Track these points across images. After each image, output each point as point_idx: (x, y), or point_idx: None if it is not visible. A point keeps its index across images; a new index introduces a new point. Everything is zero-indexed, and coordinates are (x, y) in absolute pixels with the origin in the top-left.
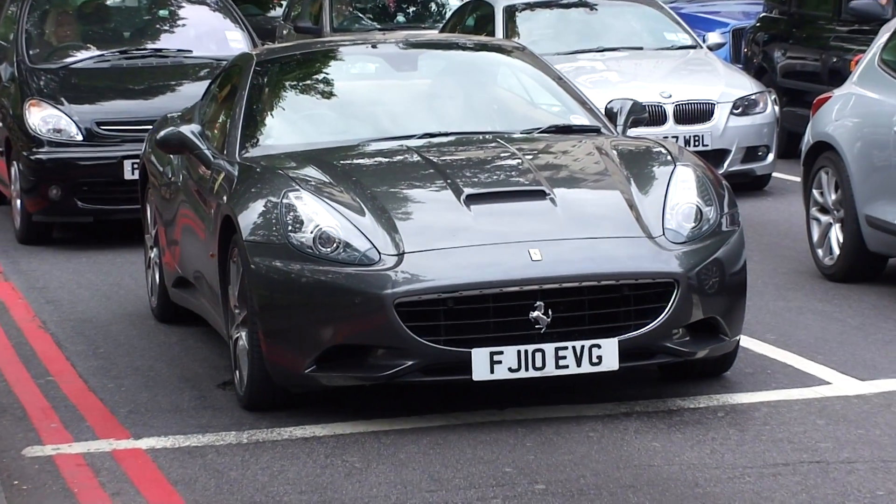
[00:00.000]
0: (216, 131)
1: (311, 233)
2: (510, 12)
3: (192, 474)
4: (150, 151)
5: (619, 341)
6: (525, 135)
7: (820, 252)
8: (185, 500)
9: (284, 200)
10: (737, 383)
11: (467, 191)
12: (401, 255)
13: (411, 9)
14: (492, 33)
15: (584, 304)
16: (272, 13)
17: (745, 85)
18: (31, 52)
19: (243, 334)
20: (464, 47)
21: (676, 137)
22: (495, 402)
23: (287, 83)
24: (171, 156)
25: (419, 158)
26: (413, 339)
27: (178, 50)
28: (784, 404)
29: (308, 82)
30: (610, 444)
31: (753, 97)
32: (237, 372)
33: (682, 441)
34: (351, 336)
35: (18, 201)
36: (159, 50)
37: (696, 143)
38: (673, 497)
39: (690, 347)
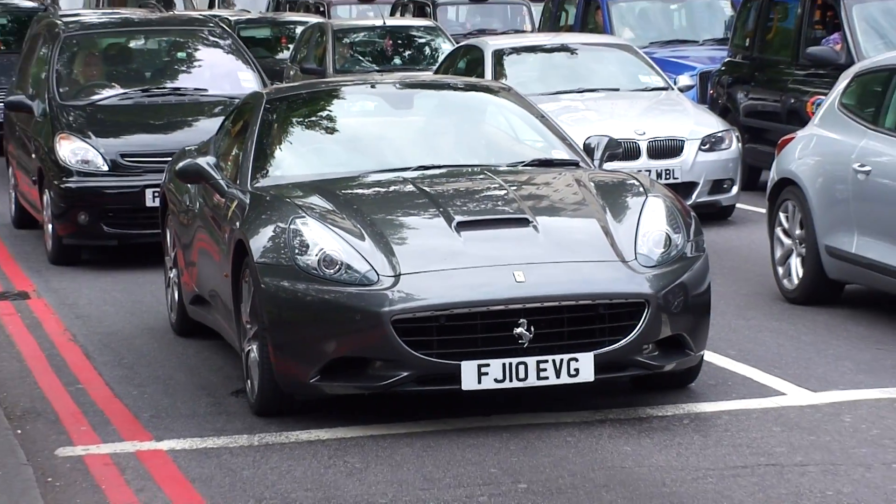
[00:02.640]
0: (230, 163)
1: (316, 256)
2: (498, 56)
3: (208, 473)
4: (169, 181)
5: (594, 355)
6: (510, 168)
7: (780, 270)
8: (202, 496)
9: (292, 226)
10: (701, 394)
11: (458, 218)
12: (397, 277)
13: (407, 52)
14: (481, 75)
15: (563, 322)
16: (280, 55)
17: (712, 123)
18: (61, 90)
19: (254, 347)
20: (455, 87)
21: (649, 171)
22: (482, 410)
23: (294, 119)
24: (189, 185)
25: (414, 188)
26: (408, 353)
27: (195, 88)
28: (743, 413)
29: (313, 118)
30: (586, 448)
31: (720, 135)
32: (249, 381)
33: (650, 445)
34: (352, 349)
35: (50, 226)
36: (178, 88)
37: (668, 177)
38: (642, 496)
39: (659, 361)
